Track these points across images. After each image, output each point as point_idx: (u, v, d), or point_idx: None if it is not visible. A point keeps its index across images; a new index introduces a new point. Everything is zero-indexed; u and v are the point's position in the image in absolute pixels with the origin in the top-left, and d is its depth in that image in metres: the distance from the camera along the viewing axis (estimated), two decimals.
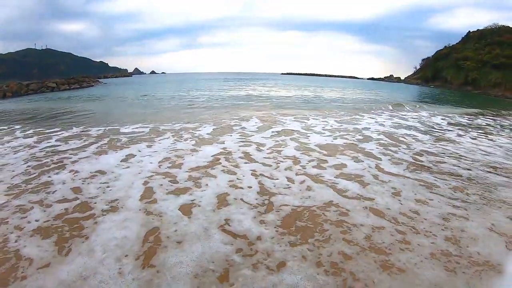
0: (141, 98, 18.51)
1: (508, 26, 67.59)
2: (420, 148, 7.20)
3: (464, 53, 65.65)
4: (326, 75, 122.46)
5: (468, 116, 14.22)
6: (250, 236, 3.05)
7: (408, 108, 16.12)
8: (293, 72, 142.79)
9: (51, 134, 8.00)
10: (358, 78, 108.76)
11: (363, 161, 5.80)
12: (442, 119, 12.89)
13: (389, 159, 6.04)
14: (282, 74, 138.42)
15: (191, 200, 3.87)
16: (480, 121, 13.07)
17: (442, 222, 3.47)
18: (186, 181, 4.56)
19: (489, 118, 14.14)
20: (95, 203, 3.71)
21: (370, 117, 12.07)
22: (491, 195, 4.39)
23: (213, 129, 8.61)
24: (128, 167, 5.23)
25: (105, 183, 4.44)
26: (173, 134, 7.91)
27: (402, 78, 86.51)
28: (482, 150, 7.36)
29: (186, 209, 3.60)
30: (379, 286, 2.38)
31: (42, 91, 26.40)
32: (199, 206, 3.71)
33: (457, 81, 62.08)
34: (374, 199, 4.04)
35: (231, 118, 10.47)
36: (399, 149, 7.00)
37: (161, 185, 4.38)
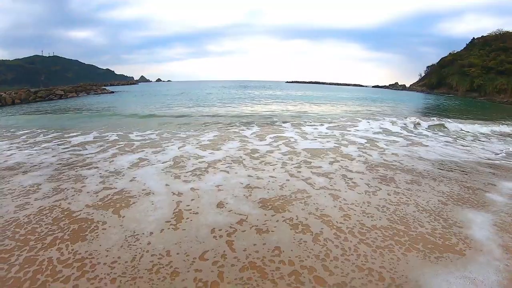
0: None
1: None
2: (392, 151, 8.56)
3: (469, 60, 66.81)
4: (331, 83, 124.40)
5: None
6: (242, 211, 4.40)
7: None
8: (298, 80, 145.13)
9: (70, 139, 9.67)
10: (363, 86, 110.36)
11: (338, 162, 7.19)
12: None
13: (359, 160, 7.44)
14: (287, 82, 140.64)
15: (198, 186, 5.30)
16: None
17: (387, 205, 4.71)
18: (192, 176, 5.99)
19: None
20: (130, 190, 5.15)
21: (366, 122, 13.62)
22: (434, 187, 5.68)
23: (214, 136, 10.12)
24: (144, 165, 6.70)
25: (131, 176, 5.88)
26: (179, 140, 9.40)
27: (407, 85, 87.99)
28: (445, 152, 8.71)
29: (196, 192, 5.03)
30: (326, 236, 3.70)
31: (50, 98, 28.26)
32: (204, 191, 5.14)
33: (462, 87, 63.08)
34: (338, 189, 5.35)
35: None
36: (376, 152, 8.42)
37: (174, 177, 5.84)
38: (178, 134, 10.49)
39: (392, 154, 8.20)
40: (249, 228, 3.94)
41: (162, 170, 6.37)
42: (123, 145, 8.83)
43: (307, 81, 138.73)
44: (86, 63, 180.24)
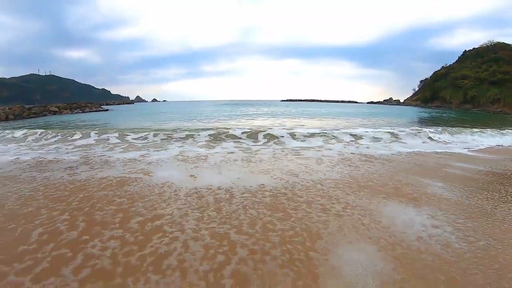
0: None
1: (503, 43, 72.98)
2: (371, 146, 10.32)
3: (461, 72, 70.21)
4: (326, 101, 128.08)
5: None
6: (237, 176, 6.12)
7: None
8: (292, 98, 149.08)
9: (74, 142, 11.02)
10: (358, 103, 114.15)
11: (321, 151, 8.91)
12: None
13: (336, 151, 9.22)
14: (282, 101, 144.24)
15: (201, 165, 6.97)
16: None
17: (342, 171, 6.61)
18: (196, 160, 7.66)
19: None
20: (149, 168, 6.88)
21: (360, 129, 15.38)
22: (394, 167, 7.44)
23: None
24: (152, 156, 8.34)
25: (145, 162, 7.55)
26: (178, 141, 11.04)
27: (402, 100, 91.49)
28: (418, 147, 10.46)
29: (200, 169, 6.70)
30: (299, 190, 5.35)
31: (44, 114, 29.40)
32: (206, 167, 6.81)
33: (456, 100, 66.02)
34: (314, 169, 7.09)
35: None
36: (354, 146, 10.20)
37: (180, 161, 7.48)
38: (176, 138, 12.08)
39: (367, 148, 9.94)
40: (243, 179, 5.87)
41: (168, 158, 8.05)
42: (126, 145, 10.37)
43: (302, 99, 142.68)
44: (82, 82, 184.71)
